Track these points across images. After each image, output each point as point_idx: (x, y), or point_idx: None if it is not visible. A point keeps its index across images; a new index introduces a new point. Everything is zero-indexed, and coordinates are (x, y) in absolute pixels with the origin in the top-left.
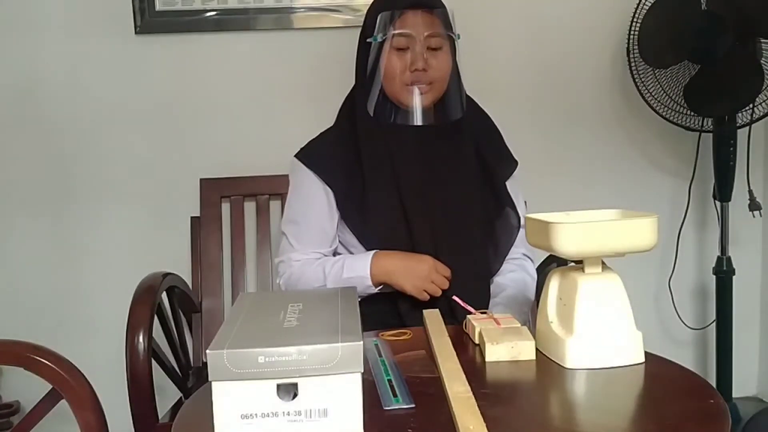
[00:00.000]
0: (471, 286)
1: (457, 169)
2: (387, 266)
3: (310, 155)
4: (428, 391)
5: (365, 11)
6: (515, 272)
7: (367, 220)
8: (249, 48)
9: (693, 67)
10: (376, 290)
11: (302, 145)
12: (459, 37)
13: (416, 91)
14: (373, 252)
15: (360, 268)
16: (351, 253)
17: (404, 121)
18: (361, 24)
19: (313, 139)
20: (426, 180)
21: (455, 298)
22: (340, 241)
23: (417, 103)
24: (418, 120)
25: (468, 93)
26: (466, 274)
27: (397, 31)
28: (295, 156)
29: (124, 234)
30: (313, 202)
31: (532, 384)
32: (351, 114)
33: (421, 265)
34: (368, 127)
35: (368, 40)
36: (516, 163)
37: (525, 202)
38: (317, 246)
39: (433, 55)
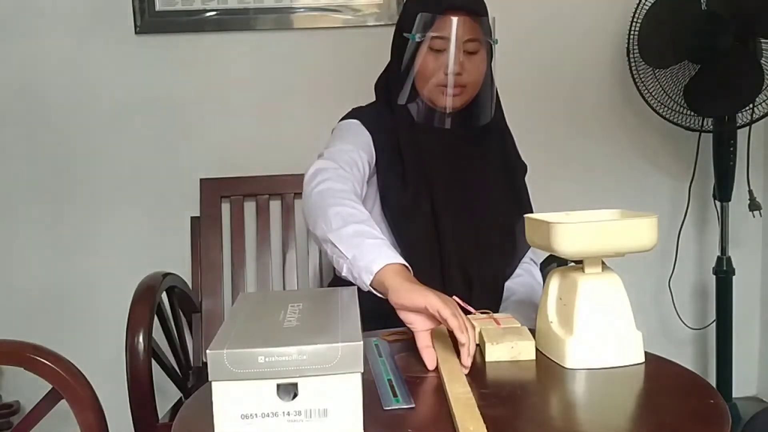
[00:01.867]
0: (487, 281)
1: (484, 170)
2: (409, 277)
3: (364, 117)
4: (428, 391)
5: (367, 10)
6: (523, 277)
7: (391, 200)
8: (249, 48)
9: (693, 67)
10: (366, 283)
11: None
12: (497, 42)
13: (448, 93)
14: (403, 263)
15: (385, 254)
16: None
17: (434, 121)
18: (361, 24)
19: (359, 108)
20: (453, 178)
21: (455, 298)
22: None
23: (448, 105)
24: (447, 122)
25: None
26: (484, 276)
27: (435, 34)
28: (343, 118)
29: (124, 234)
30: (360, 147)
31: (532, 384)
32: (387, 97)
33: (438, 295)
34: (401, 119)
35: (404, 35)
36: (526, 167)
37: None
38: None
39: (469, 59)
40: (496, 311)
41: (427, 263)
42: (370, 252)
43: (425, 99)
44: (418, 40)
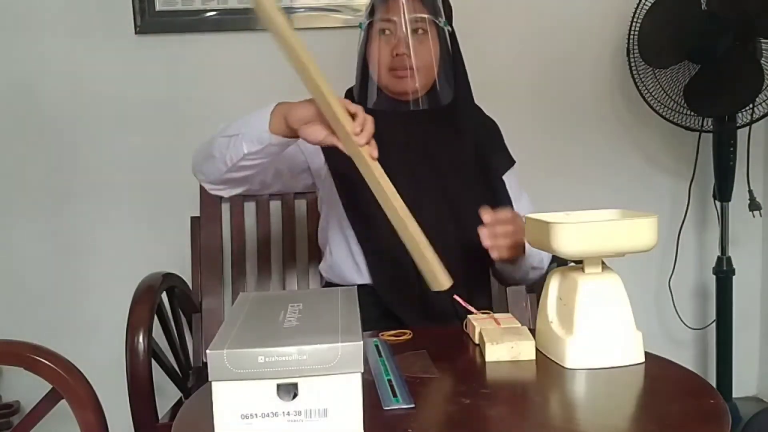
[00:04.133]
0: (460, 273)
1: (450, 159)
2: (288, 105)
3: None
4: (428, 391)
5: (365, 10)
6: None
7: (353, 194)
8: (249, 48)
9: (693, 67)
10: (269, 136)
11: None
12: (447, 24)
13: (398, 76)
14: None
15: (261, 111)
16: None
17: (389, 106)
18: None
19: None
20: (417, 168)
21: (456, 297)
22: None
23: (400, 88)
24: (404, 107)
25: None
26: (455, 261)
27: (381, 16)
28: None
29: (124, 234)
30: None
31: (532, 384)
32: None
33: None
34: None
35: (360, 23)
36: (513, 161)
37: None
38: None
39: (418, 41)
40: (477, 305)
41: (398, 264)
42: (253, 114)
43: (382, 87)
44: (365, 26)
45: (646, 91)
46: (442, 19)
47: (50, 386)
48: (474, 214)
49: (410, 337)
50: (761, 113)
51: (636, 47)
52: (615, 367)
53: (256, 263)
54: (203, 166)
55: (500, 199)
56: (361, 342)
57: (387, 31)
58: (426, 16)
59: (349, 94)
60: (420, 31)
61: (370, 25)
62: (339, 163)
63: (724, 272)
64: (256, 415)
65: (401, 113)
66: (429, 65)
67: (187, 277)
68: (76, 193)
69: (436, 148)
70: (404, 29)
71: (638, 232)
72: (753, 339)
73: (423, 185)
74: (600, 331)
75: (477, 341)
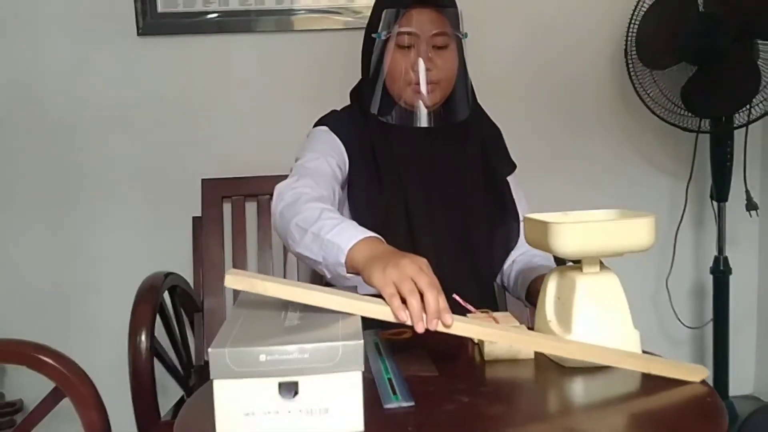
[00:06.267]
0: (471, 289)
1: (462, 172)
2: (373, 249)
3: (334, 123)
4: (428, 390)
5: (367, 12)
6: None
7: (364, 210)
8: (250, 50)
9: (690, 68)
10: (344, 274)
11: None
12: (467, 36)
13: (420, 90)
14: (371, 234)
15: (346, 238)
16: None
17: (408, 121)
18: (362, 26)
19: (332, 112)
20: (430, 182)
21: (456, 296)
22: None
23: (420, 103)
24: (422, 121)
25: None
26: (466, 277)
27: (401, 29)
28: (317, 124)
29: (127, 234)
30: (328, 153)
31: (530, 383)
32: (360, 103)
33: (408, 259)
34: (373, 122)
35: (372, 35)
36: (514, 166)
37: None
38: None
39: (439, 55)
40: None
41: None
42: (331, 246)
43: (397, 99)
44: (384, 37)
45: (643, 92)
46: (463, 33)
47: (53, 385)
48: (482, 219)
49: (410, 335)
50: (758, 114)
51: (634, 48)
52: (613, 366)
53: (257, 263)
54: (291, 252)
55: (505, 202)
56: (362, 341)
57: (410, 45)
58: (449, 30)
59: (353, 95)
60: (442, 46)
61: (389, 35)
62: (359, 184)
63: (721, 272)
64: (257, 413)
65: (411, 126)
66: (450, 80)
67: (189, 277)
68: (78, 193)
69: (445, 159)
70: (427, 44)
71: (636, 231)
72: (750, 338)
73: (435, 194)
74: (598, 330)
75: (476, 340)
